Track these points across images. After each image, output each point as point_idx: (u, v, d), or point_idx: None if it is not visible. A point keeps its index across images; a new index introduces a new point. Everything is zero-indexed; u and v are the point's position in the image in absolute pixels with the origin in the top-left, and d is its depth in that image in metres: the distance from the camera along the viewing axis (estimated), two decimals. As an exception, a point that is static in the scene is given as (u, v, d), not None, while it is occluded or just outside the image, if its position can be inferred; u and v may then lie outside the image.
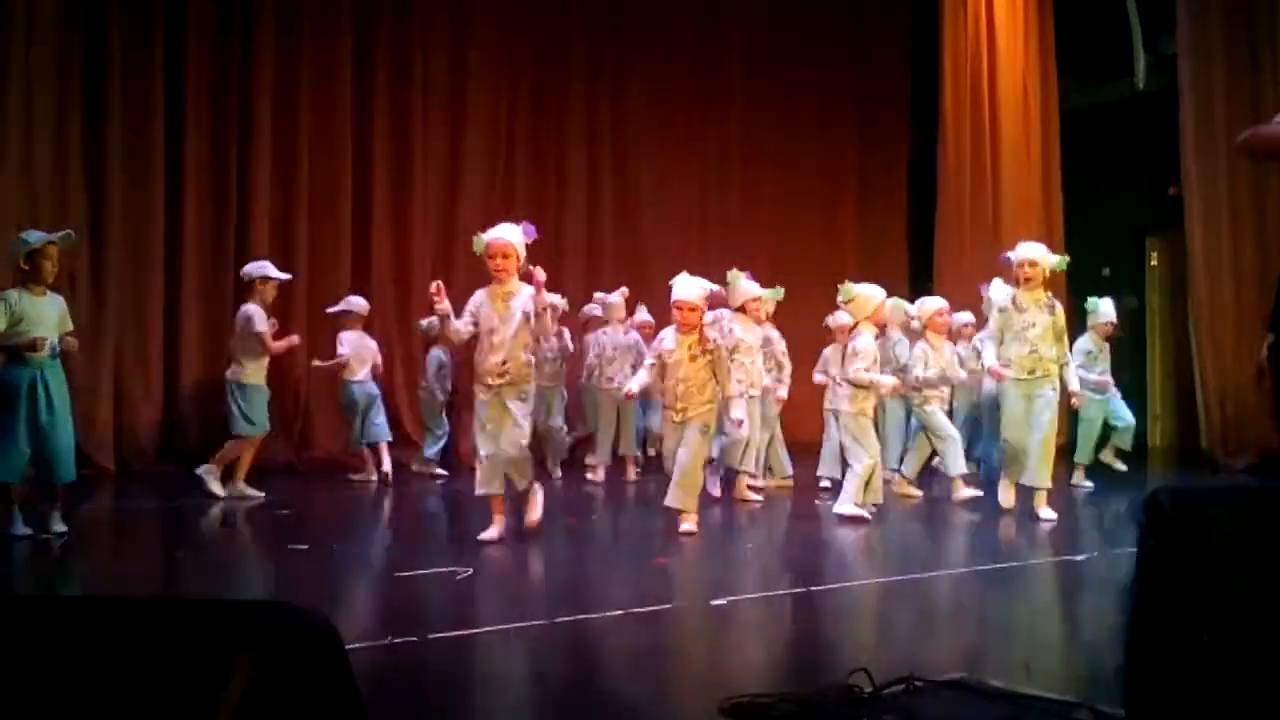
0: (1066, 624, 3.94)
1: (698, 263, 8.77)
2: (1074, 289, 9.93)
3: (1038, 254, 6.23)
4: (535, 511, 5.31)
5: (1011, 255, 6.33)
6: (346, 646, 3.03)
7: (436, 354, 8.19)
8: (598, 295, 8.55)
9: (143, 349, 8.39)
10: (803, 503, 6.92)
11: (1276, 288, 8.01)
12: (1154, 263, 11.28)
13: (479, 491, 5.17)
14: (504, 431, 5.07)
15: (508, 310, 5.10)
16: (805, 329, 8.29)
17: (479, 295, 5.20)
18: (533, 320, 5.13)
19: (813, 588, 4.17)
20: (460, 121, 10.04)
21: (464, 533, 5.83)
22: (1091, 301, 7.76)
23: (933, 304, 7.28)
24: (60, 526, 5.24)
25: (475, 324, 5.14)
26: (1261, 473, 8.47)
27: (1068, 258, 6.47)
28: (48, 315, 5.23)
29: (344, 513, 6.70)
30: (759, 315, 7.00)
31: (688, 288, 5.70)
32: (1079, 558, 4.95)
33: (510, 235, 5.13)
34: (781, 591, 4.16)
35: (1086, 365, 7.46)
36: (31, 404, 5.10)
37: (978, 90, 10.82)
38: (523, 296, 5.10)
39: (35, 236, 5.27)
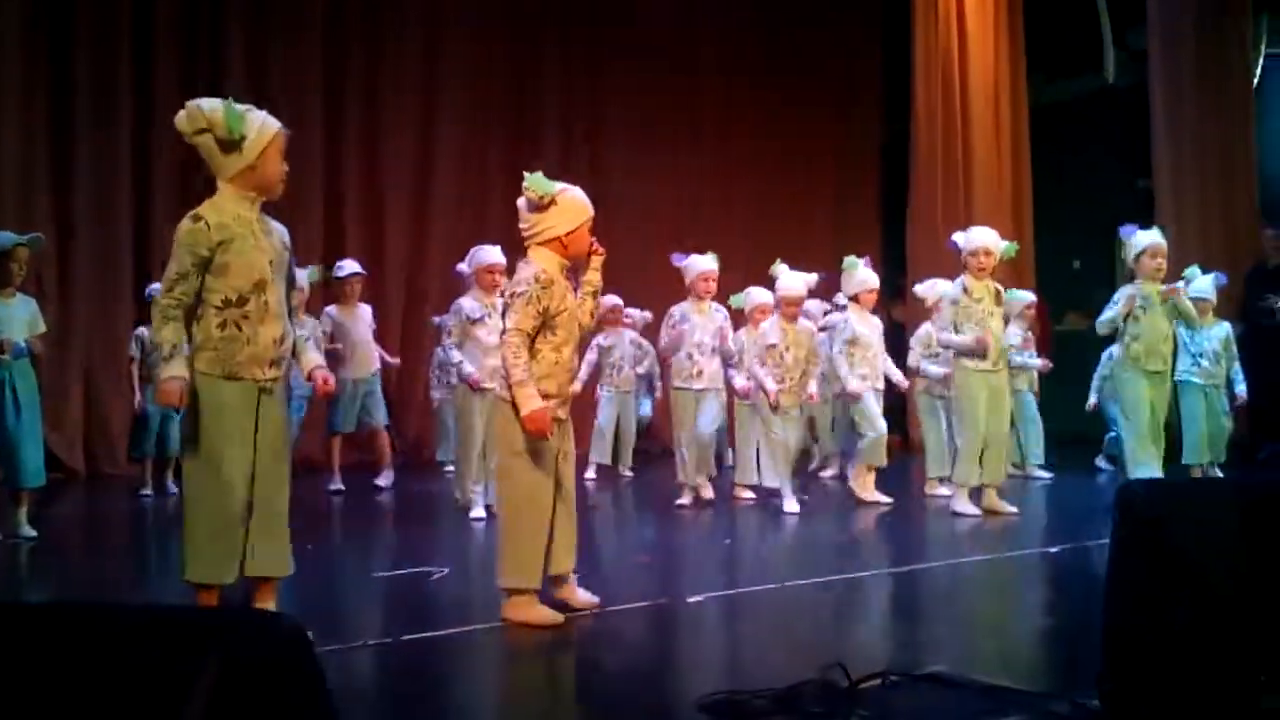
0: (1044, 616, 3.96)
1: (665, 265, 8.77)
2: (1043, 282, 9.98)
3: (992, 241, 6.02)
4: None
5: (960, 241, 6.11)
6: (322, 649, 3.02)
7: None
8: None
9: (112, 349, 8.30)
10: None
11: (1246, 280, 8.01)
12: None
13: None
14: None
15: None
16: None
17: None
18: None
19: (787, 583, 4.17)
20: (432, 120, 9.98)
21: (437, 532, 5.82)
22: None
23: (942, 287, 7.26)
24: (29, 531, 5.17)
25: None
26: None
27: (1018, 244, 6.36)
28: (17, 317, 5.17)
29: (317, 512, 6.64)
30: (872, 305, 6.74)
31: (792, 281, 6.12)
32: (1053, 549, 4.98)
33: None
34: (758, 588, 4.15)
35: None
36: (-1, 407, 5.05)
37: (949, 84, 10.86)
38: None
39: (3, 238, 5.20)
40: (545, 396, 3.44)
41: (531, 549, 3.44)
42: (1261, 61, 9.96)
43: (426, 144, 9.97)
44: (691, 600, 3.87)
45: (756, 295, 6.57)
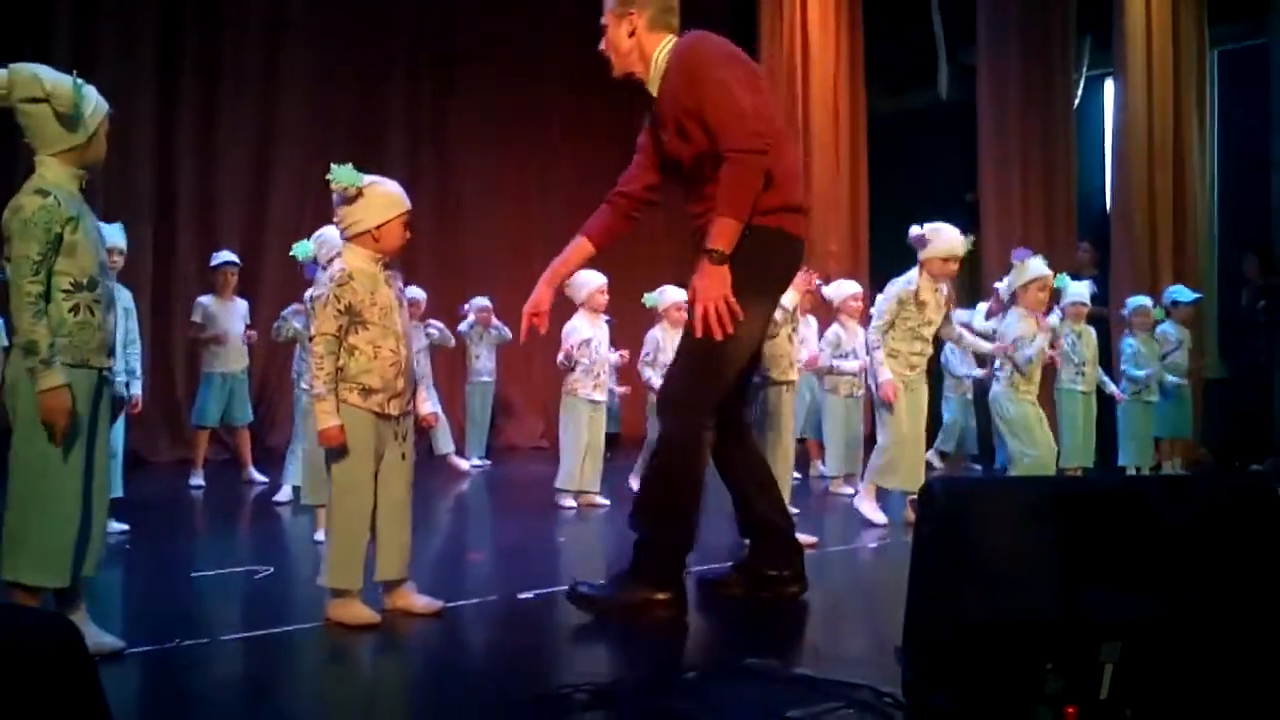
0: (857, 609, 4.11)
1: (520, 267, 8.74)
2: (876, 287, 10.32)
3: (958, 245, 5.65)
4: None
5: (928, 237, 5.70)
6: (132, 650, 2.93)
7: None
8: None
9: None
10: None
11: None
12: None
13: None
14: None
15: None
16: (637, 330, 8.24)
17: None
18: None
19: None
20: (271, 124, 9.64)
21: (271, 530, 5.68)
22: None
23: (848, 288, 7.40)
24: None
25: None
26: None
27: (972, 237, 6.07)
28: None
29: (159, 507, 6.39)
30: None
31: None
32: (871, 545, 5.17)
33: None
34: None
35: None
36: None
37: (792, 94, 11.12)
38: None
39: None
40: (369, 391, 3.41)
41: (350, 549, 3.40)
42: (1082, 82, 10.54)
43: (264, 147, 9.63)
44: (522, 597, 3.88)
45: (671, 294, 6.58)
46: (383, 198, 3.50)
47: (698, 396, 3.54)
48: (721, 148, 3.39)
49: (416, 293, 8.03)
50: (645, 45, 3.63)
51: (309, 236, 4.58)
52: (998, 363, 6.22)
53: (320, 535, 4.69)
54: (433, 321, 7.93)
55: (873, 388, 5.82)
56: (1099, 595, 2.21)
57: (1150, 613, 2.24)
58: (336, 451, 3.40)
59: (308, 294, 3.96)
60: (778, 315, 4.98)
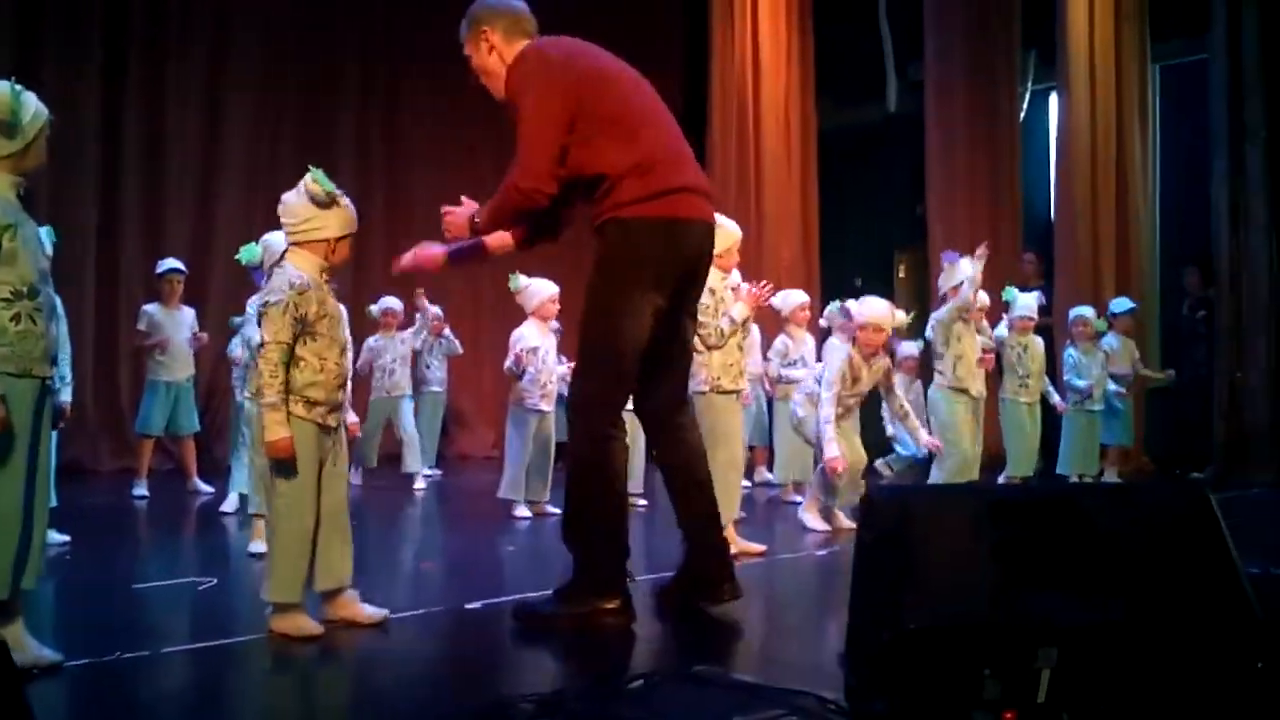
0: (801, 617, 4.13)
1: (472, 277, 8.72)
2: (827, 297, 10.42)
3: (884, 316, 5.59)
4: None
5: (852, 312, 5.77)
6: (70, 663, 2.89)
7: None
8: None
9: None
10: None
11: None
12: (901, 275, 11.98)
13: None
14: None
15: None
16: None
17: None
18: None
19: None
20: (219, 129, 9.55)
21: (215, 541, 5.62)
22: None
23: (797, 297, 7.50)
24: None
25: None
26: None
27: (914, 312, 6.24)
28: None
29: (102, 518, 6.29)
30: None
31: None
32: (820, 552, 5.20)
33: None
34: (535, 594, 4.17)
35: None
36: None
37: (743, 107, 11.20)
38: None
39: None
40: (313, 403, 3.38)
41: (294, 562, 3.37)
42: (1027, 96, 10.71)
43: (211, 146, 9.54)
44: (470, 607, 3.87)
45: None
46: (346, 212, 3.50)
47: (599, 396, 3.54)
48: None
49: (393, 303, 7.99)
50: (507, 58, 3.63)
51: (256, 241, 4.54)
52: (936, 364, 6.34)
53: (256, 547, 4.65)
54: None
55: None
56: (1036, 601, 2.24)
57: (1086, 619, 2.28)
58: (283, 463, 3.37)
59: (253, 300, 3.92)
60: (724, 325, 4.99)
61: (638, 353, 3.53)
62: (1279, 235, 8.63)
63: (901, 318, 5.79)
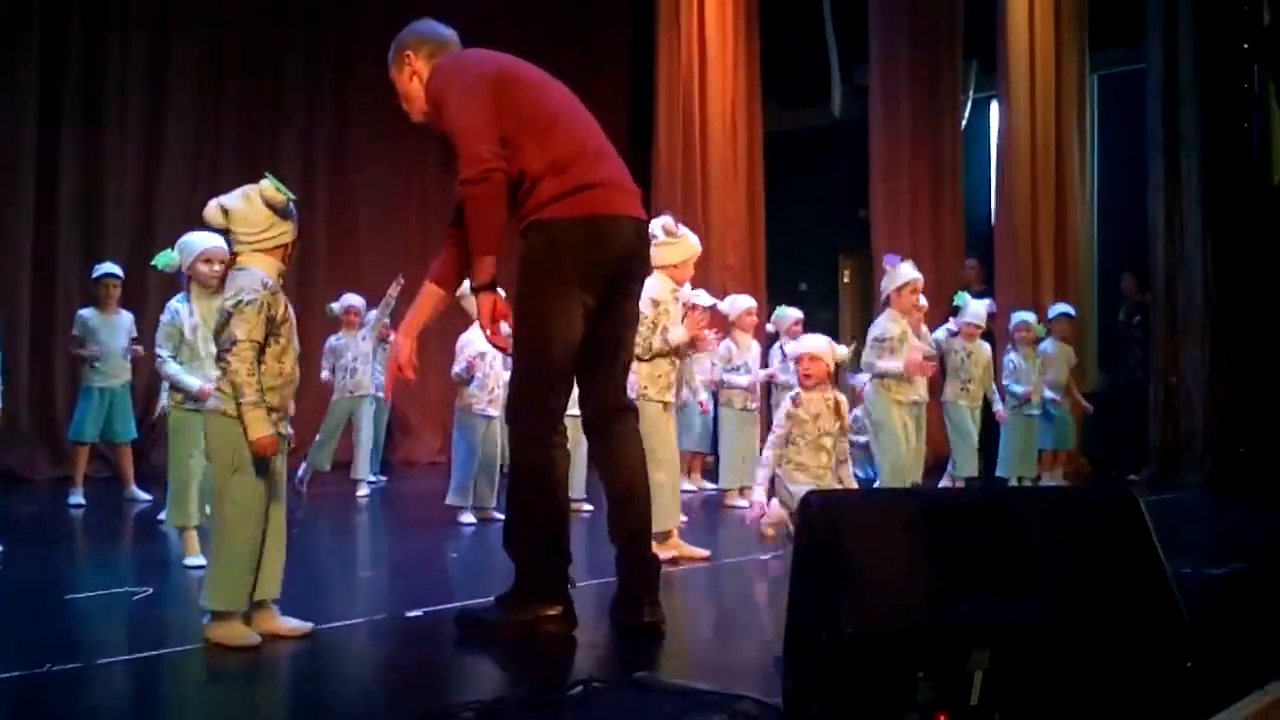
0: (741, 621, 4.15)
1: (418, 268, 8.62)
2: (772, 301, 10.50)
3: (821, 349, 5.30)
4: None
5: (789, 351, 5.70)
6: (0, 675, 2.82)
7: None
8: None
9: None
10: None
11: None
12: (846, 279, 12.10)
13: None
14: None
15: None
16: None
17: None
18: None
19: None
20: (159, 132, 9.40)
21: (152, 550, 5.53)
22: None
23: (743, 302, 7.55)
24: None
25: None
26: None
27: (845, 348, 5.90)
28: None
29: (24, 528, 6.18)
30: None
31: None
32: (764, 557, 5.23)
33: None
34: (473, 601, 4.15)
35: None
36: None
37: (689, 111, 11.24)
38: None
39: None
40: (270, 409, 3.33)
41: (240, 570, 3.32)
42: (969, 104, 10.86)
43: (153, 139, 9.41)
44: (411, 615, 3.84)
45: None
46: (293, 220, 3.46)
47: (533, 399, 3.50)
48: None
49: (356, 300, 7.88)
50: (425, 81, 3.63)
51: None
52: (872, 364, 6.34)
53: (192, 560, 4.58)
54: None
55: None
56: (968, 604, 2.27)
57: (1017, 620, 2.31)
58: (237, 470, 3.30)
59: (227, 297, 3.84)
60: (657, 341, 4.97)
61: (570, 354, 3.49)
62: (1213, 242, 8.82)
63: (842, 352, 5.54)
